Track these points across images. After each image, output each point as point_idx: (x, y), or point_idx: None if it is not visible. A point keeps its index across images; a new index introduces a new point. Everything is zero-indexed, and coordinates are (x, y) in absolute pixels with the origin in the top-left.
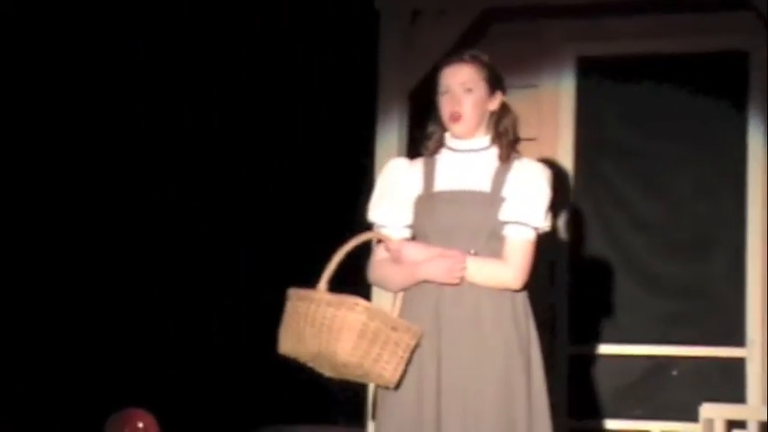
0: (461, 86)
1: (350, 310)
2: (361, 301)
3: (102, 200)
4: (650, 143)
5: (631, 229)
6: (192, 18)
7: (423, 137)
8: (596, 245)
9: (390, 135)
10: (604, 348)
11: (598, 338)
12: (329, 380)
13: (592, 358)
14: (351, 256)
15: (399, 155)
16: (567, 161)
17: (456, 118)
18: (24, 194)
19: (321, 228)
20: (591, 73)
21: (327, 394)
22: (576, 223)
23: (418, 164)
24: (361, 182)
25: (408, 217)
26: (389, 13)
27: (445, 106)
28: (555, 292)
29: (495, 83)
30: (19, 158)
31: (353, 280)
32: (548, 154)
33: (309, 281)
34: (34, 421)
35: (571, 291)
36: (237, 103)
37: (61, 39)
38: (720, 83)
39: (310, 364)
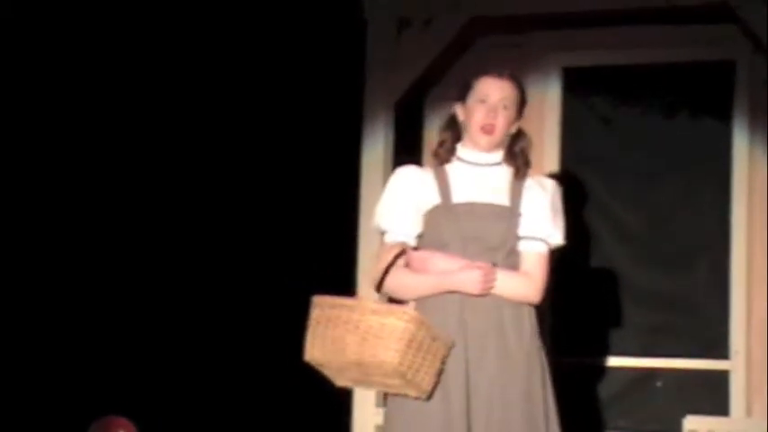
0: (501, 101)
1: (399, 319)
2: (409, 311)
3: (81, 211)
4: (635, 154)
5: (616, 241)
6: (177, 26)
7: (411, 146)
8: (580, 256)
9: (376, 143)
10: (588, 360)
11: (582, 350)
12: (312, 392)
13: (575, 370)
14: (336, 259)
15: (386, 164)
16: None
17: (489, 130)
18: (11, 200)
19: (304, 235)
20: (576, 83)
21: (310, 407)
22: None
23: (429, 173)
24: (347, 190)
25: (419, 226)
26: (376, 22)
27: (478, 115)
28: (539, 304)
29: (522, 107)
30: (18, 158)
31: (339, 283)
32: (532, 164)
33: (297, 289)
34: (17, 427)
35: (555, 302)
36: (223, 112)
37: (56, 40)
38: (705, 93)
39: (330, 373)
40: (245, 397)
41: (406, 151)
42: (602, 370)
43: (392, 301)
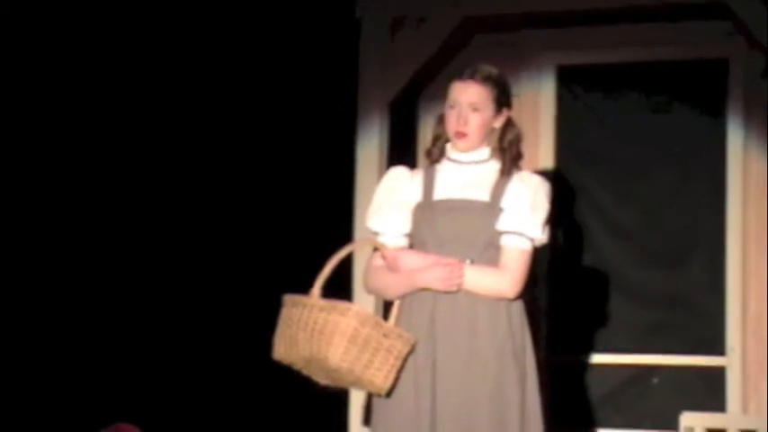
0: (469, 105)
1: (341, 315)
2: (353, 307)
3: (68, 214)
4: (630, 151)
5: (611, 238)
6: (173, 25)
7: (406, 146)
8: (576, 253)
9: (371, 143)
10: (584, 357)
11: (578, 348)
12: (310, 391)
13: (572, 367)
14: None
15: (380, 163)
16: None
17: (461, 136)
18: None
19: (298, 235)
20: (570, 82)
21: (308, 406)
22: (555, 232)
23: (419, 173)
24: (341, 190)
25: (407, 225)
26: (370, 21)
27: (451, 121)
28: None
29: (503, 101)
30: (17, 158)
31: (339, 284)
32: (527, 163)
33: (290, 290)
34: None
35: (550, 300)
36: (216, 114)
37: (56, 40)
38: (699, 91)
39: (304, 371)
40: (244, 397)
41: (401, 151)
42: (598, 367)
43: (388, 304)
